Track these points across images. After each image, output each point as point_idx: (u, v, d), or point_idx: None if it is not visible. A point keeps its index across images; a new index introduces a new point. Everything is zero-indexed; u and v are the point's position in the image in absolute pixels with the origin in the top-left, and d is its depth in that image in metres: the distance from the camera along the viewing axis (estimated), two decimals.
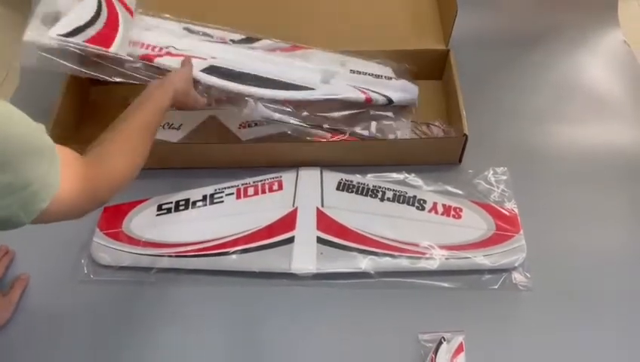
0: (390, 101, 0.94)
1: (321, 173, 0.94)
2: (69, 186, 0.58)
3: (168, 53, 0.90)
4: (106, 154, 0.67)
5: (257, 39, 0.97)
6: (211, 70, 0.89)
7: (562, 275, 0.84)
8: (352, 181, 0.93)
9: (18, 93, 1.09)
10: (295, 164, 0.95)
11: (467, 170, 0.95)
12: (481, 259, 0.84)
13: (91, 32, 0.86)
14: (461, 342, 0.77)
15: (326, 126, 0.93)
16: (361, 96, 0.92)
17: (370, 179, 0.93)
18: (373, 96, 0.93)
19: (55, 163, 0.57)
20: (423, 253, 0.84)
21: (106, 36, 0.87)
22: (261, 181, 0.93)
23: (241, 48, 0.95)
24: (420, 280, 0.83)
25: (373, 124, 0.95)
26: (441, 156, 0.96)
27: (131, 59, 0.88)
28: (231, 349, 0.79)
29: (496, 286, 0.83)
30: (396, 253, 0.84)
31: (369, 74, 0.96)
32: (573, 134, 1.02)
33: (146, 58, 0.88)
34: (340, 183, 0.93)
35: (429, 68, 1.05)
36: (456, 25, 0.98)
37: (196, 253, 0.85)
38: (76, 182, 0.60)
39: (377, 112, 0.95)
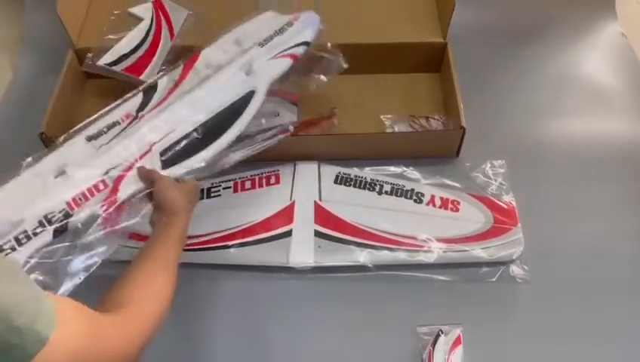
0: (308, 44, 0.86)
1: (319, 166, 0.94)
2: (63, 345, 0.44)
3: (118, 179, 0.70)
4: (125, 301, 0.55)
5: (154, 85, 0.81)
6: (167, 157, 0.73)
7: (559, 268, 0.85)
8: (349, 174, 0.93)
9: (14, 84, 1.09)
10: (292, 158, 0.94)
11: (465, 163, 0.95)
12: (478, 251, 0.84)
13: (131, 60, 0.98)
14: (459, 335, 0.77)
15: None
16: (289, 61, 0.84)
17: (368, 173, 0.93)
18: (295, 51, 0.84)
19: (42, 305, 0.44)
20: (421, 246, 0.84)
21: (141, 64, 0.98)
22: (258, 175, 0.93)
23: (156, 111, 0.77)
24: (418, 273, 0.83)
25: (318, 76, 0.87)
26: (439, 149, 0.95)
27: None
28: (230, 343, 0.79)
29: (493, 279, 0.83)
30: (394, 246, 0.84)
31: (274, 33, 0.85)
32: (571, 127, 1.02)
33: (110, 205, 0.69)
34: (337, 177, 0.92)
35: (427, 61, 1.05)
36: (454, 18, 0.97)
37: (193, 248, 0.85)
38: (77, 341, 0.46)
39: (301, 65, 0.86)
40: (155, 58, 1.00)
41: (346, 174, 0.93)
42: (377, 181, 0.92)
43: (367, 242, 0.84)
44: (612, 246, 0.87)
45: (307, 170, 0.93)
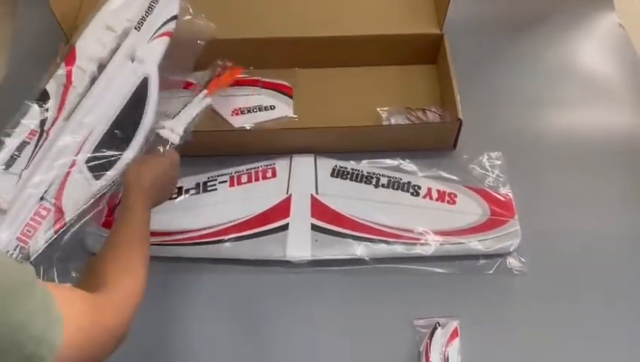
0: (176, 17, 0.84)
1: (315, 159, 0.93)
2: (72, 336, 0.47)
3: (58, 199, 0.70)
4: (107, 279, 0.58)
5: (45, 93, 0.77)
6: (94, 165, 0.72)
7: (557, 260, 0.85)
8: (346, 167, 0.92)
9: (7, 79, 1.08)
10: (289, 151, 0.94)
11: (462, 155, 0.95)
12: (475, 244, 0.83)
13: None
14: (456, 327, 0.77)
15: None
16: (167, 39, 0.82)
17: (365, 166, 0.93)
18: (168, 28, 0.82)
19: (51, 311, 0.46)
20: (418, 239, 0.84)
21: None
22: (254, 168, 0.93)
23: (61, 121, 0.75)
24: (415, 266, 0.83)
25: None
26: (436, 141, 0.95)
27: None
28: (227, 337, 0.79)
29: (490, 271, 0.83)
30: (391, 239, 0.84)
31: (145, 13, 0.82)
32: (567, 118, 1.02)
33: (61, 226, 0.70)
34: (334, 170, 0.92)
35: (423, 52, 1.04)
36: (451, 8, 0.97)
37: (190, 242, 0.84)
38: (82, 327, 0.49)
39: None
40: None
41: (342, 167, 0.92)
42: (374, 174, 0.91)
43: (363, 235, 0.84)
44: (610, 238, 0.87)
45: (304, 164, 0.93)
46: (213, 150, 0.95)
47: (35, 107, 0.75)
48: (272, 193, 0.89)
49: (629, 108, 1.02)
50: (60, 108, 0.75)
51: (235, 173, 0.92)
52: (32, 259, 0.68)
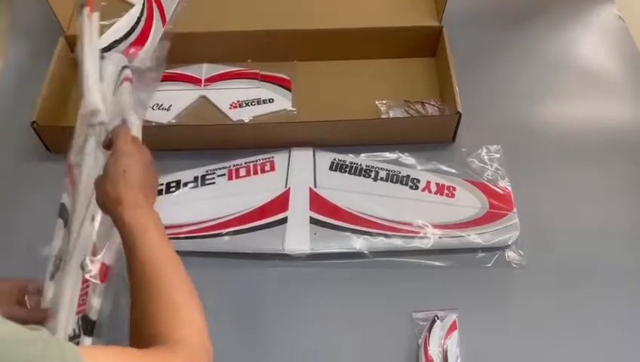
0: (127, 66, 0.82)
1: (314, 153, 0.93)
2: None
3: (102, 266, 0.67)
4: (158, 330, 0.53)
5: (64, 208, 0.74)
6: None
7: (555, 253, 0.85)
8: (345, 161, 0.92)
9: (4, 72, 1.07)
10: (287, 144, 0.94)
11: (461, 148, 0.95)
12: (474, 237, 0.83)
13: (123, 46, 0.94)
14: (454, 320, 0.77)
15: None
16: (128, 85, 0.79)
17: (364, 159, 0.93)
18: (124, 75, 0.81)
19: None
20: (417, 232, 0.84)
21: (134, 51, 0.93)
22: (253, 162, 0.92)
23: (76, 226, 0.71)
24: (414, 259, 0.83)
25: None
26: (435, 135, 0.95)
27: None
28: (225, 330, 0.79)
29: (489, 264, 0.83)
30: (390, 233, 0.84)
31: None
32: (567, 111, 1.02)
33: (105, 274, 0.67)
34: (332, 163, 0.92)
35: (422, 45, 1.04)
36: (450, 1, 0.96)
37: (187, 235, 0.84)
38: None
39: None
40: (147, 44, 0.99)
41: (341, 161, 0.92)
42: (373, 167, 0.91)
43: (362, 229, 0.84)
44: (608, 231, 0.87)
45: (302, 157, 0.93)
46: (212, 143, 0.95)
47: (60, 221, 0.73)
48: (270, 186, 0.89)
49: (629, 100, 1.02)
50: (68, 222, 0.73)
51: (234, 166, 0.92)
52: (94, 318, 0.66)
